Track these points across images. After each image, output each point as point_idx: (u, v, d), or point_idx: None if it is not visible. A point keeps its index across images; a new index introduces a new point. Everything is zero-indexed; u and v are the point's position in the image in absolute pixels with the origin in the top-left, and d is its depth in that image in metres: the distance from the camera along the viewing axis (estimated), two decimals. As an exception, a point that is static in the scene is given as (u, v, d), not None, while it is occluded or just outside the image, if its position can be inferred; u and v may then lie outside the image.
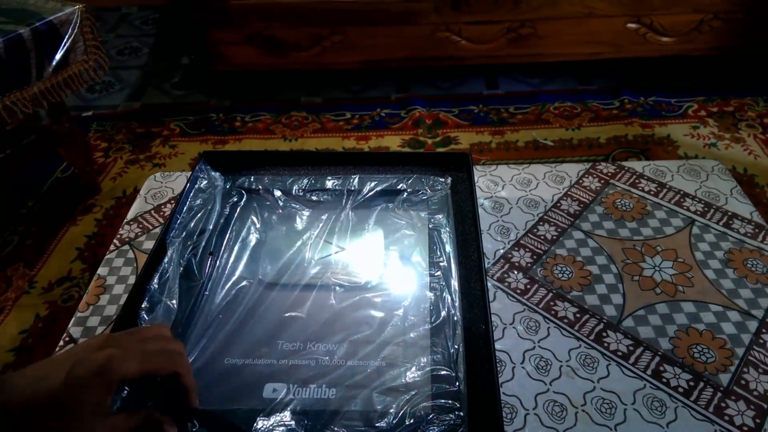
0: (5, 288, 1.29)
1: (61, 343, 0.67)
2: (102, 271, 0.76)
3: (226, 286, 0.63)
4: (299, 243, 0.67)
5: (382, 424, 0.49)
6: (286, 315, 0.59)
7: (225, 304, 0.61)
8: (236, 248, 0.68)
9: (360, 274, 0.64)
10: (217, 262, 0.66)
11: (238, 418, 0.50)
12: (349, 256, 0.66)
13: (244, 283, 0.63)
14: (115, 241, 0.81)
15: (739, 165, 1.51)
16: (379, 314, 0.59)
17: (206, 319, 0.59)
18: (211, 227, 0.68)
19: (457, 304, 0.59)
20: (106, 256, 0.78)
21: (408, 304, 0.60)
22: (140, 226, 0.83)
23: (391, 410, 0.50)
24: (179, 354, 0.45)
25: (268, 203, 0.74)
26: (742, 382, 0.59)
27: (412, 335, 0.57)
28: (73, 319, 0.70)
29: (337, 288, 0.62)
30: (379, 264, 0.65)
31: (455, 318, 0.58)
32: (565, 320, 0.66)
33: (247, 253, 0.67)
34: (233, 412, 0.50)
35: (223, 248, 0.68)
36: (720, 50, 1.80)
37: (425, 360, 0.54)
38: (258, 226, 0.71)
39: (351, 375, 0.53)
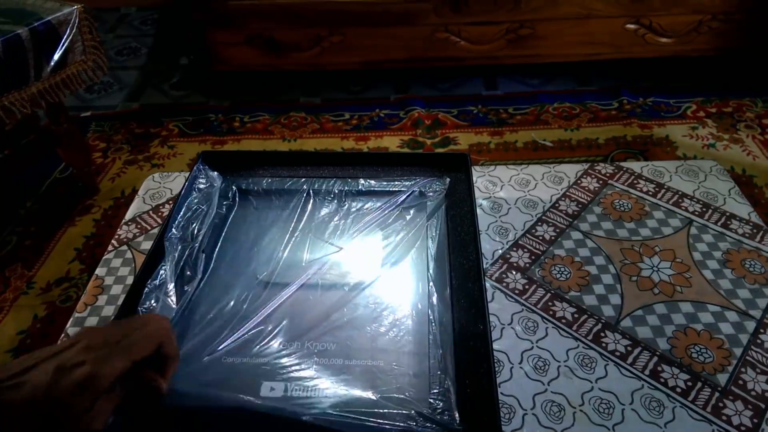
0: (3, 289, 1.28)
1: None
2: (100, 271, 0.76)
3: (224, 286, 0.63)
4: (296, 243, 0.67)
5: (378, 424, 0.49)
6: (283, 314, 0.59)
7: (222, 303, 0.60)
8: (233, 248, 0.68)
9: (357, 274, 0.64)
10: (214, 261, 0.66)
11: (236, 414, 0.50)
12: (346, 256, 0.66)
13: (241, 282, 0.63)
14: (113, 241, 0.81)
15: (737, 165, 1.51)
16: (375, 314, 0.59)
17: (203, 318, 0.59)
18: (207, 227, 0.68)
19: (453, 304, 0.59)
20: (104, 257, 0.78)
21: (404, 304, 0.60)
22: (138, 226, 0.83)
23: (387, 411, 0.50)
24: (163, 329, 0.45)
25: (265, 203, 0.74)
26: (740, 382, 0.59)
27: (408, 336, 0.57)
28: (71, 319, 0.70)
29: (334, 288, 0.62)
30: (376, 264, 0.65)
31: (452, 319, 0.58)
32: (564, 320, 0.66)
33: (244, 252, 0.67)
34: (229, 408, 0.50)
35: (220, 247, 0.68)
36: (719, 51, 1.80)
37: (421, 361, 0.54)
38: (255, 225, 0.71)
39: (348, 375, 0.53)
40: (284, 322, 0.59)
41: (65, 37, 1.18)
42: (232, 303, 0.60)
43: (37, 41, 1.12)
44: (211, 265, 0.65)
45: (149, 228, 0.82)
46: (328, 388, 0.52)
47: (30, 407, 0.37)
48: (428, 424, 0.48)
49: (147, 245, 0.79)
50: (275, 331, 0.58)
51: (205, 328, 0.58)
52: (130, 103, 1.96)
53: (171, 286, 0.60)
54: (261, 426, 0.49)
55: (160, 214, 0.85)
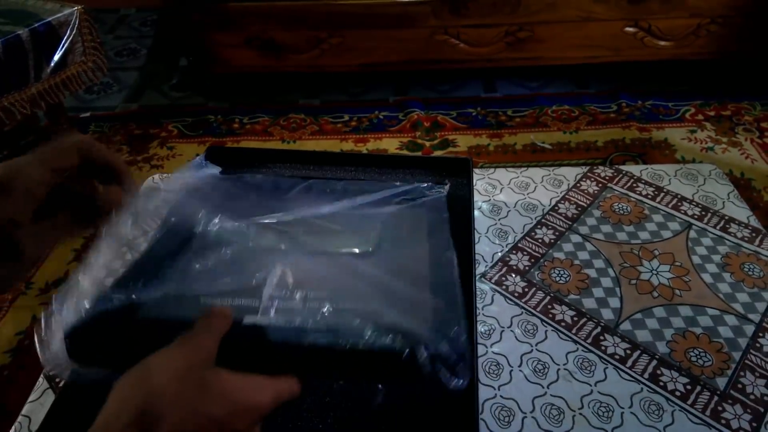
0: (2, 289, 1.28)
1: (58, 345, 0.66)
2: (99, 272, 0.76)
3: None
4: (290, 221, 0.67)
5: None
6: (274, 268, 0.58)
7: (208, 264, 0.60)
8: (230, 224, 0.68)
9: (352, 247, 0.63)
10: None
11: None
12: (338, 237, 0.65)
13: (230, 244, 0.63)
14: (112, 242, 0.80)
15: (736, 169, 1.51)
16: (370, 279, 0.58)
17: (188, 266, 0.60)
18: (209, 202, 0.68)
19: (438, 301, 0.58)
20: (103, 258, 0.78)
21: (392, 291, 0.59)
22: (138, 228, 0.83)
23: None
24: (83, 138, 0.43)
25: (264, 191, 0.74)
26: (739, 385, 0.60)
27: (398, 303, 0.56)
28: (70, 321, 0.69)
29: (327, 254, 0.61)
30: (372, 240, 0.64)
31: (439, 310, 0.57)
32: (563, 323, 0.66)
33: (239, 221, 0.67)
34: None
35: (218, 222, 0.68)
36: (717, 54, 1.80)
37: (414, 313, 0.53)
38: (253, 203, 0.71)
39: (336, 315, 0.52)
40: (274, 275, 0.57)
41: (65, 38, 1.18)
42: (219, 259, 0.60)
43: (38, 42, 1.12)
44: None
45: (149, 230, 0.82)
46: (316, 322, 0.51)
47: None
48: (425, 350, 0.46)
49: (147, 247, 0.79)
50: (258, 282, 0.56)
51: (188, 275, 0.59)
52: (129, 104, 1.96)
53: None
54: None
55: (160, 215, 0.85)
